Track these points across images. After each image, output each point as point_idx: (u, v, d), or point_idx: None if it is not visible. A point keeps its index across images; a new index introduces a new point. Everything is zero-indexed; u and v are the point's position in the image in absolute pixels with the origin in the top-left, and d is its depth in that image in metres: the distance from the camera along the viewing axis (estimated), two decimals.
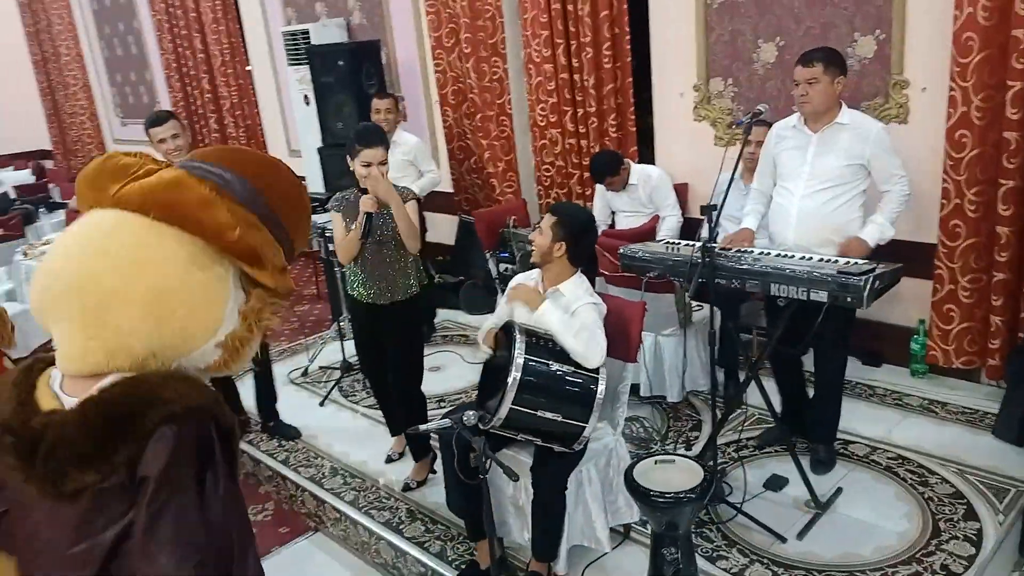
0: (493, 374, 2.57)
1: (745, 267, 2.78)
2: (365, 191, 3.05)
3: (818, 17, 3.90)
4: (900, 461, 3.26)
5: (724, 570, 2.71)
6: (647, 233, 4.02)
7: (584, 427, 2.45)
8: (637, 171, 4.44)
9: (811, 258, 2.82)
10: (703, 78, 4.43)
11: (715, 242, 2.78)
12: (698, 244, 2.80)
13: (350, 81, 5.47)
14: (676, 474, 2.52)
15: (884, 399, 3.79)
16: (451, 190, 5.89)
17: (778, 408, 3.54)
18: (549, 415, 2.43)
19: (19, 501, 1.37)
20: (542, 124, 5.11)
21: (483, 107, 5.42)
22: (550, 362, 2.44)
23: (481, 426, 2.47)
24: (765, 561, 2.73)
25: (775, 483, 3.16)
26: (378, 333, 3.22)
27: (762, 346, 3.38)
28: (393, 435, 3.60)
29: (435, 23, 5.52)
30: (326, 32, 6.24)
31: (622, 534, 2.93)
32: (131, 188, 1.44)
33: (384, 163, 3.04)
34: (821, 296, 2.58)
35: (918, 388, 3.84)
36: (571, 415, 2.45)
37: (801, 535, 2.84)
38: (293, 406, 4.19)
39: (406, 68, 6.11)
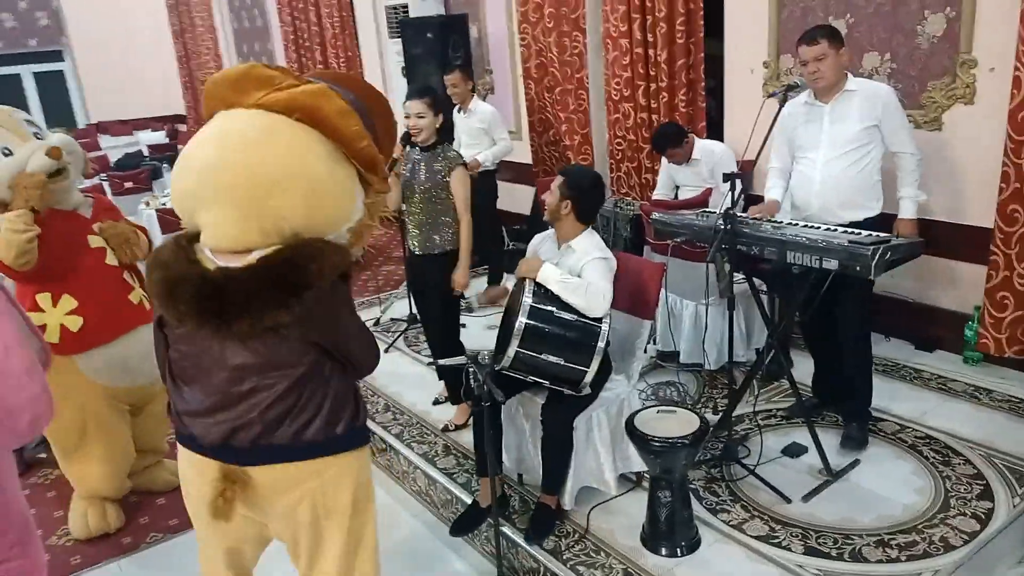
0: (507, 323, 2.80)
1: (764, 235, 2.87)
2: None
3: None
4: (927, 441, 3.26)
5: (723, 521, 2.85)
6: (698, 204, 4.10)
7: (586, 371, 2.64)
8: (701, 146, 4.51)
9: (833, 229, 2.88)
10: (773, 55, 4.44)
11: (737, 209, 2.88)
12: (721, 211, 2.91)
13: (438, 53, 5.77)
14: (675, 423, 2.68)
15: (928, 383, 3.75)
16: (530, 161, 6.12)
17: (807, 381, 3.62)
18: (552, 359, 2.63)
19: (193, 342, 1.80)
20: (616, 98, 5.24)
21: (562, 81, 5.60)
22: (554, 309, 2.64)
23: (494, 365, 2.72)
24: (765, 518, 2.85)
25: (793, 450, 3.24)
26: (420, 282, 3.51)
27: (783, 315, 3.44)
28: (440, 380, 3.90)
29: None
30: (423, 6, 6.57)
31: (633, 482, 3.10)
32: (279, 94, 1.76)
33: (422, 116, 3.33)
34: (832, 264, 2.65)
35: (966, 375, 3.77)
36: (573, 360, 2.64)
37: (807, 498, 2.93)
38: None
39: (496, 42, 6.36)
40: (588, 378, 2.66)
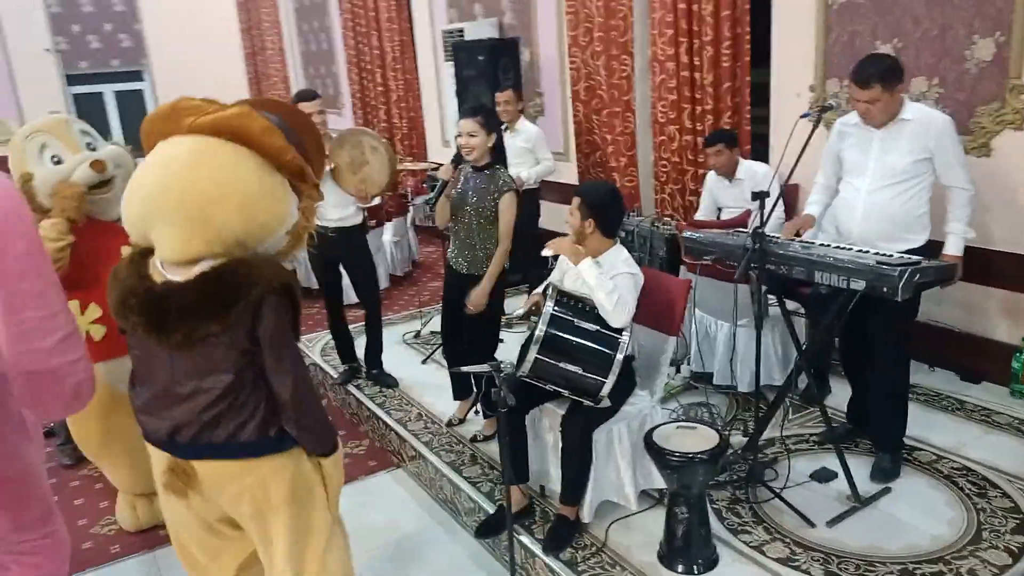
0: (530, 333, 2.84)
1: (793, 254, 2.86)
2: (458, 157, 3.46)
3: (937, 18, 3.80)
4: (964, 472, 3.16)
5: (743, 542, 2.81)
6: (737, 225, 4.08)
7: (603, 382, 2.66)
8: (745, 166, 4.49)
9: (866, 251, 2.85)
10: (820, 79, 4.42)
11: (765, 228, 2.88)
12: (751, 230, 2.91)
13: (489, 74, 5.91)
14: (695, 439, 2.68)
15: (971, 415, 3.64)
16: (576, 182, 6.17)
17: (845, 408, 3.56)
18: (571, 368, 2.66)
19: (144, 348, 1.98)
20: (662, 121, 5.27)
21: (610, 103, 5.66)
22: (575, 319, 2.67)
23: (516, 373, 2.76)
24: (787, 541, 2.80)
25: (822, 476, 3.18)
26: (455, 299, 3.55)
27: (812, 337, 3.39)
28: (456, 400, 3.95)
29: (573, 22, 5.83)
30: (479, 30, 6.73)
31: (655, 499, 3.09)
32: (206, 118, 1.94)
33: (474, 135, 3.35)
34: (859, 284, 2.62)
35: (1012, 408, 3.65)
36: (591, 370, 2.66)
37: (832, 523, 2.87)
38: (400, 362, 4.68)
39: (547, 65, 6.47)
40: (606, 389, 2.68)
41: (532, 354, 2.68)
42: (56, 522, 1.93)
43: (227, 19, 12.88)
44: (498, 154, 3.47)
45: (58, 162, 2.97)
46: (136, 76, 13.26)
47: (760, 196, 2.88)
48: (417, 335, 5.14)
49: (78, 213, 2.91)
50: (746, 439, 3.37)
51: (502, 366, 2.58)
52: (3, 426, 1.84)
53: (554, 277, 3.07)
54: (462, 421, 3.88)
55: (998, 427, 3.51)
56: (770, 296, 3.85)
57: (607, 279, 2.73)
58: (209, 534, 2.18)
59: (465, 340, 3.59)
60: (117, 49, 13.07)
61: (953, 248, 3.08)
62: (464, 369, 2.74)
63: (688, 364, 4.11)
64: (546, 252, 2.99)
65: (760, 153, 4.97)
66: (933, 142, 2.92)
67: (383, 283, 6.46)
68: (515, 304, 3.21)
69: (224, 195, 1.89)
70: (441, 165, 3.46)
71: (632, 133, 5.61)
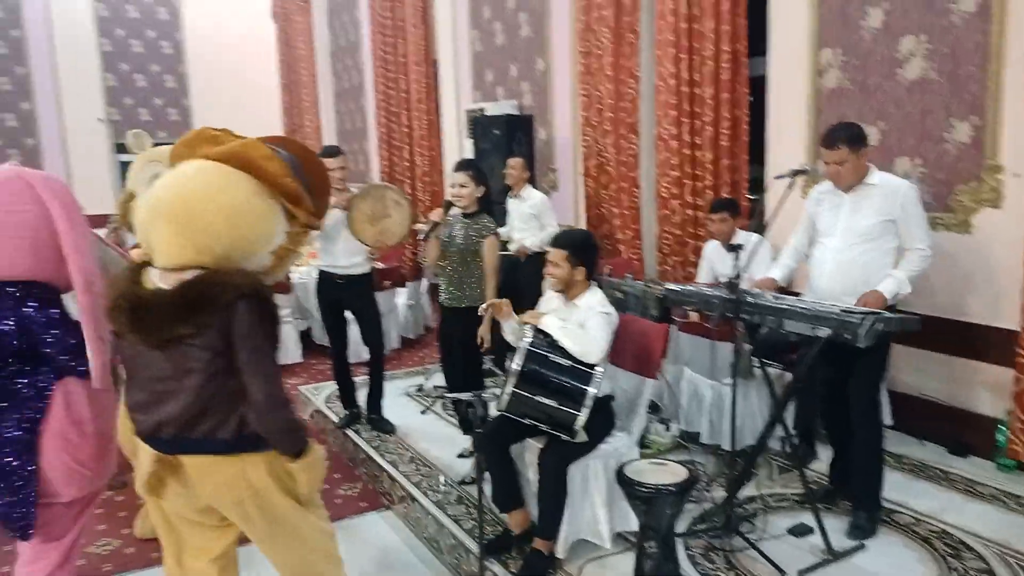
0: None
1: (764, 303, 3.01)
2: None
3: (917, 103, 4.04)
4: (941, 535, 3.18)
5: None
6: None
7: (577, 415, 2.79)
8: (741, 236, 4.68)
9: (833, 305, 2.99)
10: (811, 157, 4.64)
11: (739, 281, 3.04)
12: (724, 281, 3.07)
13: (503, 147, 6.25)
14: (665, 475, 2.77)
15: (955, 484, 3.66)
16: None
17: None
18: (546, 400, 2.80)
19: (133, 349, 2.17)
20: (665, 196, 5.51)
21: (618, 179, 5.94)
22: (549, 354, 2.83)
23: (494, 407, 2.90)
24: None
25: (799, 530, 3.22)
26: (449, 335, 3.79)
27: (787, 386, 3.49)
28: (466, 433, 4.07)
29: (586, 103, 6.19)
30: (499, 110, 7.13)
31: (631, 543, 3.14)
32: (218, 148, 2.18)
33: (464, 186, 3.73)
34: (824, 332, 2.76)
35: (997, 480, 3.67)
36: (565, 403, 2.80)
37: (803, 573, 2.90)
38: (401, 412, 4.83)
39: (561, 143, 6.81)
40: (579, 422, 2.80)
41: (509, 387, 2.82)
42: None
43: (270, 101, 13.63)
44: (484, 204, 3.85)
45: None
46: None
47: (735, 248, 3.05)
48: (420, 389, 5.29)
49: None
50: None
51: (483, 394, 2.74)
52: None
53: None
54: (475, 480, 3.85)
55: (980, 497, 3.53)
56: (754, 359, 3.97)
57: (570, 326, 2.91)
58: (189, 527, 2.31)
59: (460, 370, 3.81)
60: (165, 122, 13.84)
61: (885, 289, 3.05)
62: (449, 396, 2.90)
63: (677, 423, 4.19)
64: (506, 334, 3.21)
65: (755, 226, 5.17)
66: (898, 206, 3.11)
67: (394, 343, 6.66)
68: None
69: (212, 204, 2.08)
70: (438, 224, 3.77)
71: (638, 207, 5.86)
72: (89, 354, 2.38)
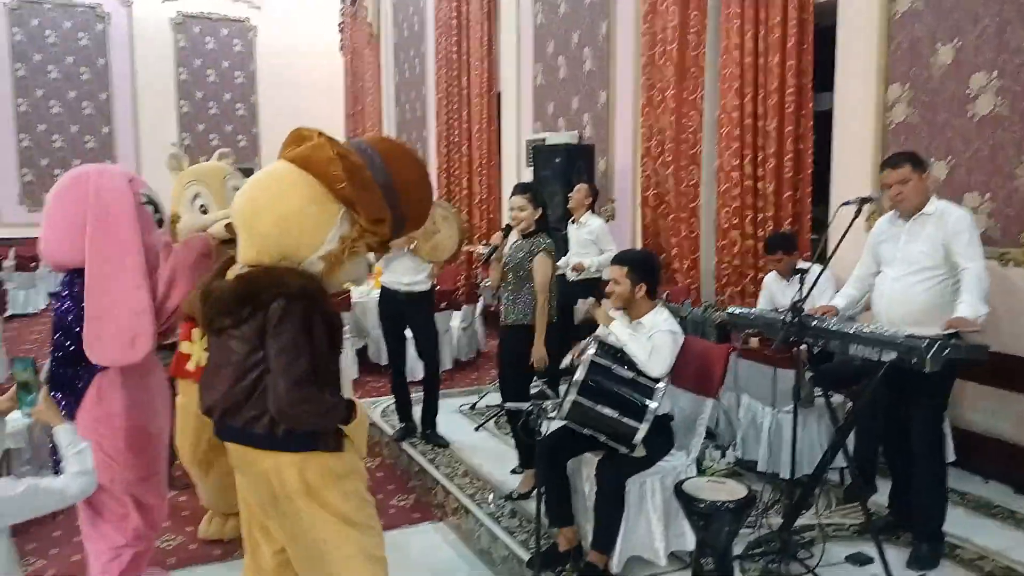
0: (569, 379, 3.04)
1: (828, 327, 3.01)
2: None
3: (987, 139, 4.02)
4: (1007, 571, 3.10)
5: None
6: None
7: (637, 429, 2.81)
8: (805, 265, 4.68)
9: (899, 331, 2.97)
10: (877, 189, 4.62)
11: (803, 304, 3.05)
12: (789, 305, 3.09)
13: (564, 176, 6.36)
14: (723, 493, 2.77)
15: (1021, 524, 3.56)
16: None
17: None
18: (607, 411, 2.83)
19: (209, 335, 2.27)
20: (725, 227, 5.53)
21: (676, 209, 5.98)
22: (613, 366, 2.87)
23: (555, 416, 2.94)
24: None
25: (859, 559, 3.17)
26: (507, 353, 3.87)
27: (849, 412, 3.46)
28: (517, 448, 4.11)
29: (647, 134, 6.28)
30: (560, 139, 7.26)
31: (686, 563, 3.13)
32: (296, 150, 2.21)
33: (523, 209, 3.85)
34: (890, 355, 2.75)
35: None
36: (626, 416, 2.83)
37: None
38: (455, 428, 4.90)
39: (620, 174, 6.90)
40: (639, 436, 2.82)
41: (571, 396, 2.87)
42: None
43: (335, 130, 14.07)
44: (542, 225, 3.94)
45: (204, 211, 3.28)
46: (248, 173, 14.51)
47: (800, 272, 3.07)
48: (473, 407, 5.35)
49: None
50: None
51: (543, 405, 2.79)
52: (153, 386, 2.21)
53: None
54: (523, 496, 3.83)
55: None
56: (817, 388, 3.94)
57: (640, 335, 2.95)
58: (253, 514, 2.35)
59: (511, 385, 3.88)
60: (235, 148, 14.39)
61: (965, 312, 2.93)
62: (508, 405, 2.95)
63: (734, 450, 4.17)
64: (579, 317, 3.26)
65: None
66: (950, 231, 3.09)
67: (447, 364, 6.75)
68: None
69: (269, 211, 2.15)
70: (498, 247, 3.91)
71: (696, 237, 5.88)
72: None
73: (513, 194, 3.94)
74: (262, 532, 2.35)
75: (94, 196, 2.55)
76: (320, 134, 2.26)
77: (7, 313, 8.41)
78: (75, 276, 2.56)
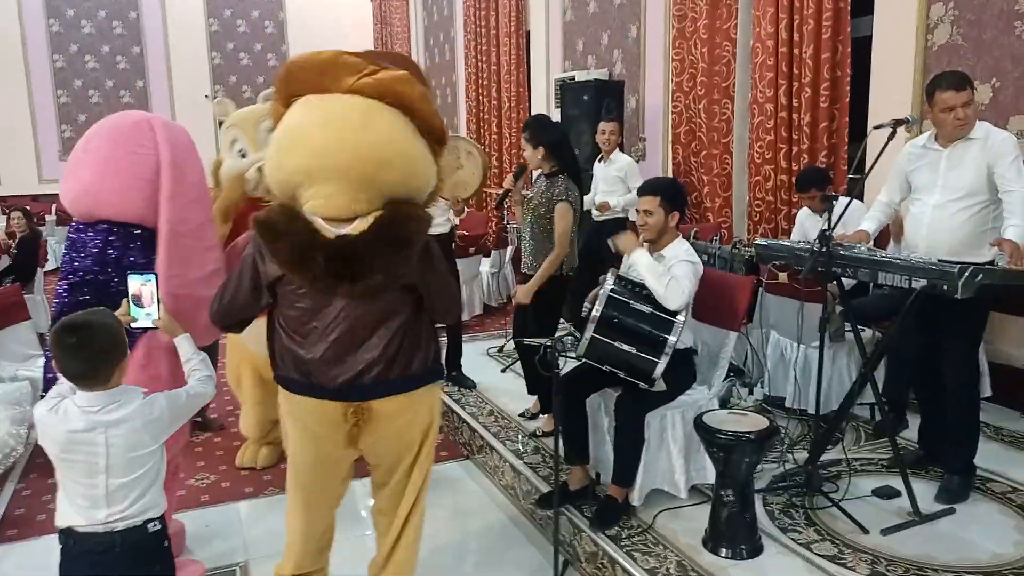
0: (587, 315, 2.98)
1: (857, 255, 2.90)
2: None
3: None
4: None
5: (792, 540, 2.79)
6: None
7: (657, 363, 2.75)
8: (839, 202, 4.51)
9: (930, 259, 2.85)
10: (918, 114, 4.41)
11: (831, 232, 2.94)
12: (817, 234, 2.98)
13: (592, 113, 6.20)
14: (745, 425, 2.72)
15: None
16: None
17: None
18: (625, 347, 2.78)
19: (316, 299, 2.10)
20: (758, 161, 5.36)
21: (708, 145, 5.81)
22: (631, 301, 2.80)
23: (574, 354, 2.90)
24: (837, 542, 2.76)
25: (885, 492, 3.11)
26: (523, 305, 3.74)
27: (879, 343, 3.33)
28: (531, 394, 4.07)
29: (678, 69, 6.08)
30: (589, 77, 7.07)
31: (707, 496, 3.10)
32: (368, 80, 2.09)
33: (524, 149, 3.72)
34: (920, 283, 2.64)
35: None
36: (645, 351, 2.76)
37: (887, 532, 2.81)
38: (481, 370, 4.91)
39: (651, 113, 6.71)
40: (658, 371, 2.77)
41: (589, 333, 2.82)
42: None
43: None
44: (563, 163, 3.66)
45: (243, 155, 3.32)
46: None
47: (828, 199, 2.95)
48: (500, 349, 5.35)
49: (239, 201, 3.27)
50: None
51: (560, 340, 2.75)
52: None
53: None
54: (547, 434, 3.81)
55: None
56: (846, 324, 3.83)
57: (660, 267, 2.87)
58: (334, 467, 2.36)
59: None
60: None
61: (1015, 236, 2.79)
62: (527, 341, 2.92)
63: (762, 387, 4.10)
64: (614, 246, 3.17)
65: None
66: (994, 153, 2.92)
67: (476, 310, 6.75)
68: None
69: (391, 158, 2.06)
70: (510, 191, 3.78)
71: (728, 174, 5.72)
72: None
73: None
74: (332, 488, 2.40)
75: (168, 149, 2.44)
76: (373, 61, 2.13)
77: (48, 267, 8.63)
78: (113, 230, 2.43)
